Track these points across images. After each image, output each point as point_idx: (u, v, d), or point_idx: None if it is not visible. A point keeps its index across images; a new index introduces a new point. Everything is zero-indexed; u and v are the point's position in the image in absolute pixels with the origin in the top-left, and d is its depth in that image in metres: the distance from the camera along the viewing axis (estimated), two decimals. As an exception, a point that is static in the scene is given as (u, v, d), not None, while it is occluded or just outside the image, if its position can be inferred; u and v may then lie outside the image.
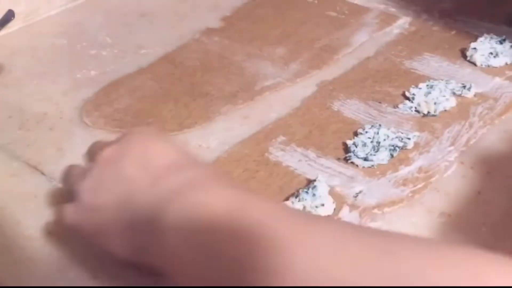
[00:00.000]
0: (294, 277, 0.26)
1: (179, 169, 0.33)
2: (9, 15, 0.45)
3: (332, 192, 0.42)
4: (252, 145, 0.47)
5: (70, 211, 0.36)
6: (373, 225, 0.40)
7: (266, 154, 0.46)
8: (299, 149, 0.46)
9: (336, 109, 0.51)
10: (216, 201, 0.31)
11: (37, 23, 0.67)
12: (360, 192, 0.42)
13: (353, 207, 0.41)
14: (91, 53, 0.61)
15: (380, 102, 0.51)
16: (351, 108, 0.51)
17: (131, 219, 0.33)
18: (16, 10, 0.66)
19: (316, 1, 0.69)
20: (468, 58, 0.56)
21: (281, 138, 0.48)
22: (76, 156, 0.47)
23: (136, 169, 0.34)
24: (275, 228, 0.28)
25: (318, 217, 0.37)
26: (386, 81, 0.55)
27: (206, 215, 0.30)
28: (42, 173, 0.46)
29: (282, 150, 0.47)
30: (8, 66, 0.60)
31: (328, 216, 0.39)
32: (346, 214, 0.40)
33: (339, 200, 0.41)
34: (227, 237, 0.29)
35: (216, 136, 0.49)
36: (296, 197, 0.40)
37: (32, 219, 0.41)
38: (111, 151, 0.36)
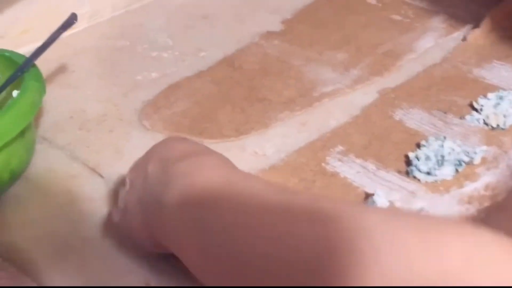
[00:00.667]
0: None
1: (187, 157, 0.36)
2: (72, 19, 0.45)
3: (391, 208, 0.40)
4: (309, 153, 0.46)
5: (114, 214, 0.40)
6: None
7: (323, 164, 0.45)
8: (357, 160, 0.45)
9: (398, 119, 0.49)
10: (208, 180, 0.33)
11: (100, 24, 0.68)
12: (422, 209, 0.40)
13: (413, 224, 0.39)
14: (152, 55, 0.62)
15: (445, 113, 0.49)
16: (414, 118, 0.49)
17: (146, 210, 0.35)
18: (80, 11, 0.67)
19: (380, 4, 0.67)
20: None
21: (339, 147, 0.46)
22: (134, 159, 0.47)
23: (155, 166, 0.37)
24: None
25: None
26: (452, 89, 0.52)
27: (197, 191, 0.32)
28: (101, 176, 0.46)
29: (340, 160, 0.45)
30: (71, 66, 0.61)
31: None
32: (405, 232, 0.39)
33: (398, 216, 0.40)
34: (216, 212, 0.31)
35: (273, 143, 0.48)
36: (353, 212, 0.39)
37: (89, 222, 0.42)
38: (142, 158, 0.40)
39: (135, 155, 0.47)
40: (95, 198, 0.44)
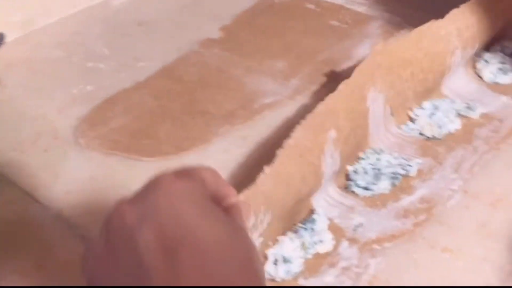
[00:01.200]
0: None
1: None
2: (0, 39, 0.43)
3: (331, 225, 0.41)
4: (312, 131, 0.41)
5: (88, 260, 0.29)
6: (373, 261, 0.38)
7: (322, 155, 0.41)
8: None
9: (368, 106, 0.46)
10: None
11: (34, 33, 0.66)
12: (360, 224, 0.41)
13: (352, 241, 0.40)
14: (88, 66, 0.60)
15: (392, 115, 0.49)
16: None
17: None
18: (12, 20, 0.65)
19: (318, 9, 0.68)
20: (476, 71, 0.55)
21: (333, 133, 0.42)
22: (70, 181, 0.47)
23: (158, 260, 0.25)
24: None
25: None
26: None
27: None
28: (37, 200, 0.45)
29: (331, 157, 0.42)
30: (4, 80, 0.58)
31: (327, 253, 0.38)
32: (345, 250, 0.39)
33: (338, 233, 0.40)
34: None
35: (214, 159, 0.48)
36: (294, 233, 0.39)
37: (25, 252, 0.41)
38: (128, 214, 0.27)
39: (71, 176, 0.47)
40: (31, 224, 0.43)
